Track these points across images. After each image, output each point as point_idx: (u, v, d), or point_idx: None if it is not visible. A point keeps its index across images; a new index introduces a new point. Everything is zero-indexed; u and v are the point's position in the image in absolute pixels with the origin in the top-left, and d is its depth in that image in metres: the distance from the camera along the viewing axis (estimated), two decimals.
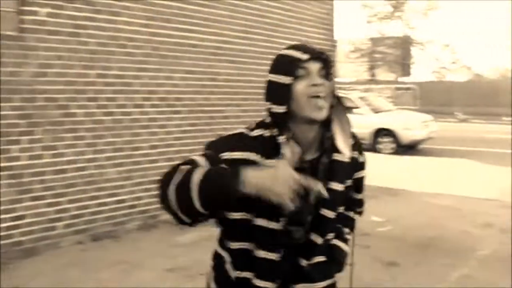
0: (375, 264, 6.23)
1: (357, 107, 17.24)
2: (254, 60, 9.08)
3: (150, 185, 7.58)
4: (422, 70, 52.83)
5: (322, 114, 2.08)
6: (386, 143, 17.04)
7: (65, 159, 6.71)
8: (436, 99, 34.43)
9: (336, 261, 2.27)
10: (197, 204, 1.87)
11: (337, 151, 2.16)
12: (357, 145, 2.28)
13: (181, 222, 2.00)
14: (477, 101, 33.78)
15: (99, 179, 7.05)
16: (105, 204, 7.13)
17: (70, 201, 6.78)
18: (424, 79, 43.85)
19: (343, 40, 43.27)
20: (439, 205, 9.28)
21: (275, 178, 1.83)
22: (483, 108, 33.39)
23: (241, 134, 2.16)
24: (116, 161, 7.22)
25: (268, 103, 2.12)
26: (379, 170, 12.88)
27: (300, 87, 2.05)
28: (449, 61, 42.71)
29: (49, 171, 6.57)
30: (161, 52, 7.69)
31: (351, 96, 17.82)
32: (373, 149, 16.91)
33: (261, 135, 2.12)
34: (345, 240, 2.32)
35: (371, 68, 43.97)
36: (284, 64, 2.08)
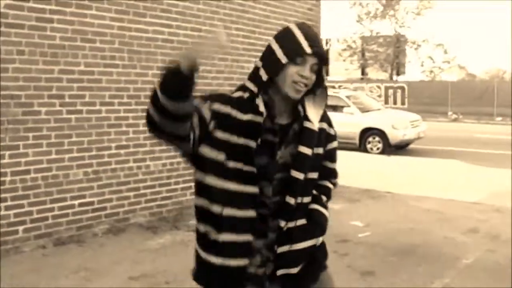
0: (351, 273, 5.90)
1: (347, 106, 16.99)
2: (234, 57, 8.73)
3: (120, 187, 7.28)
4: (415, 69, 52.78)
5: (298, 96, 2.38)
6: (374, 143, 16.76)
7: (27, 159, 6.36)
8: (428, 98, 34.18)
9: (317, 223, 2.52)
10: (161, 97, 2.10)
11: (307, 119, 2.43)
12: (327, 119, 2.55)
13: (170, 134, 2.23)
14: (469, 101, 33.56)
15: (64, 181, 6.69)
16: (70, 206, 6.77)
17: (32, 204, 6.42)
18: (417, 78, 43.67)
19: (335, 38, 43.05)
20: (424, 209, 8.96)
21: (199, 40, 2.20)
22: (475, 107, 33.19)
23: (224, 94, 2.45)
24: (82, 162, 6.86)
25: (260, 62, 2.38)
26: (363, 171, 12.60)
27: (291, 71, 2.31)
28: (441, 60, 42.42)
29: (9, 172, 6.21)
30: (133, 47, 7.33)
31: (339, 94, 17.49)
32: (361, 149, 16.65)
33: (241, 96, 2.38)
34: (324, 206, 2.58)
35: (363, 66, 43.67)
36: (290, 43, 2.32)
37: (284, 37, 2.35)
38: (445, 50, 41.20)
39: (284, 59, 2.29)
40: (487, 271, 6.10)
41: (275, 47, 2.33)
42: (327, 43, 43.20)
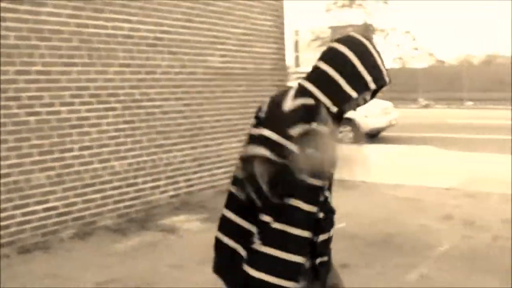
0: None
1: None
2: (198, 50, 8.53)
3: (84, 189, 7.04)
4: (384, 57, 53.03)
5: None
6: (345, 132, 16.66)
7: None
8: (399, 85, 34.30)
9: (331, 214, 2.54)
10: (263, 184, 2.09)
11: None
12: None
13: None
14: (439, 87, 33.75)
15: (26, 186, 6.44)
16: (33, 212, 6.52)
17: None
18: (387, 66, 43.75)
19: (304, 29, 43.00)
20: (398, 198, 8.86)
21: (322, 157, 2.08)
22: (445, 93, 33.38)
23: (301, 106, 2.23)
24: (44, 165, 6.60)
25: (338, 75, 2.25)
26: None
27: (363, 95, 2.32)
28: (410, 47, 42.66)
29: None
30: (92, 44, 7.09)
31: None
32: None
33: (303, 104, 2.24)
34: None
35: None
36: (375, 71, 2.28)
37: (368, 60, 2.28)
38: (413, 37, 41.41)
39: (373, 86, 2.27)
40: (463, 258, 5.99)
41: (361, 68, 2.25)
42: (296, 34, 43.10)
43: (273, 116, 2.23)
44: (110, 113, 7.29)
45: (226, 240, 2.41)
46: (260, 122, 2.26)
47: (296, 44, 53.23)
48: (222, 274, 2.45)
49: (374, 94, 2.46)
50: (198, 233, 6.95)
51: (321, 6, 54.62)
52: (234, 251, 2.36)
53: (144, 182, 7.74)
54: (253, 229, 2.31)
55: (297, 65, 50.66)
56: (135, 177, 7.63)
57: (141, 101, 7.67)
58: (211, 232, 7.21)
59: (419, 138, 17.19)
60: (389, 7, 55.35)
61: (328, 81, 2.27)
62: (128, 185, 7.54)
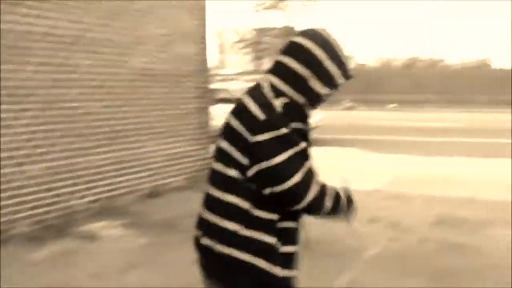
0: None
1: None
2: (120, 49, 8.25)
3: None
4: None
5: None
6: None
7: None
8: None
9: None
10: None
11: None
12: None
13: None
14: (362, 89, 34.32)
15: None
16: None
17: None
18: None
19: (228, 30, 42.96)
20: None
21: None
22: (368, 95, 33.98)
23: (282, 116, 2.18)
24: None
25: (309, 72, 2.22)
26: None
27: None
28: None
29: None
30: (6, 42, 6.70)
31: (232, 87, 17.21)
32: None
33: (284, 103, 2.20)
34: None
35: (257, 58, 43.86)
36: (342, 64, 2.28)
37: (334, 53, 2.27)
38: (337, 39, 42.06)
39: (341, 80, 2.30)
40: (391, 261, 6.00)
41: (328, 62, 2.25)
42: (220, 36, 42.92)
43: (275, 118, 2.18)
44: (25, 114, 6.91)
45: (218, 247, 2.30)
46: (256, 128, 2.19)
47: (221, 45, 53.06)
48: (223, 281, 2.36)
49: (336, 88, 2.41)
50: (119, 240, 6.69)
51: (245, 7, 54.72)
52: (229, 256, 2.29)
53: (62, 187, 7.40)
54: (243, 230, 2.27)
55: (222, 67, 50.54)
56: (52, 181, 7.27)
57: (59, 102, 7.32)
58: (133, 238, 6.95)
59: (343, 140, 17.36)
60: (317, 8, 55.91)
61: (298, 77, 2.24)
62: (45, 190, 7.17)
